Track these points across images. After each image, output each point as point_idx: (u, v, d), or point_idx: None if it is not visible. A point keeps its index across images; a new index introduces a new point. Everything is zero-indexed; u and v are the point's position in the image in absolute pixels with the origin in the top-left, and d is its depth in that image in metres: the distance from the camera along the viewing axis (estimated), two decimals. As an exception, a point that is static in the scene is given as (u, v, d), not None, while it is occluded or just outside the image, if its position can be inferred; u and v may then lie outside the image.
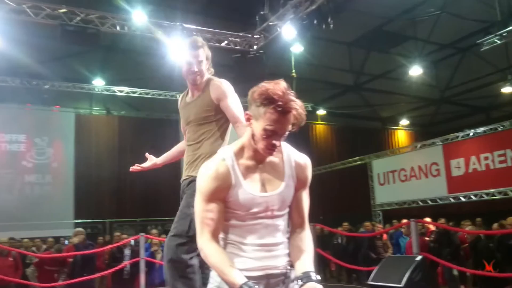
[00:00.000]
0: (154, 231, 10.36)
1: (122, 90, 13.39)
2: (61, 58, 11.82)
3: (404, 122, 19.54)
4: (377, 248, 9.44)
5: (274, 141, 1.76)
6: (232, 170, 1.82)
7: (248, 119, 1.81)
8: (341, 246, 10.35)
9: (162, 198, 14.36)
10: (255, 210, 1.82)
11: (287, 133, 1.78)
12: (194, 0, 10.37)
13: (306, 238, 1.93)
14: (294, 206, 1.95)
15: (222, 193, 1.81)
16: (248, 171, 1.85)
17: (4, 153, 12.64)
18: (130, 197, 14.43)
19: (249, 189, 1.82)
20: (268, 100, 1.70)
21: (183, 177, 2.96)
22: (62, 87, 12.63)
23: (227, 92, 2.84)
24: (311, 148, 17.47)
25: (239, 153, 1.86)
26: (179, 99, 3.09)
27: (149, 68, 12.23)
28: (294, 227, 1.97)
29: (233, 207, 1.83)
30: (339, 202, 15.98)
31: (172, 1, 10.20)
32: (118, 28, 8.89)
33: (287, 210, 1.93)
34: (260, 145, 1.78)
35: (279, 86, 1.72)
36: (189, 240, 2.68)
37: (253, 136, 1.80)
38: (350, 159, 15.36)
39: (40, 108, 13.14)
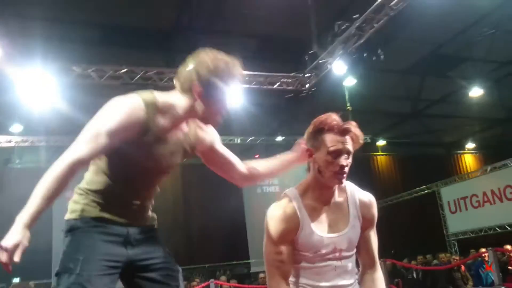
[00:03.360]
0: (223, 277, 10.38)
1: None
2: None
3: (470, 145, 18.76)
4: (455, 280, 8.93)
5: (341, 162, 1.78)
6: (299, 211, 1.83)
7: (310, 155, 1.85)
8: (416, 281, 9.89)
9: (230, 243, 14.47)
10: (323, 251, 1.82)
11: (351, 157, 1.81)
12: (244, 46, 10.73)
13: (377, 279, 1.92)
14: (362, 247, 1.94)
15: (290, 235, 1.82)
16: (314, 212, 1.85)
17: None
18: (199, 242, 14.61)
19: (316, 230, 1.83)
20: (324, 125, 1.81)
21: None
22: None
23: None
24: (374, 180, 17.08)
25: (304, 194, 1.88)
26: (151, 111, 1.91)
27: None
28: (364, 268, 1.96)
29: (301, 249, 1.83)
30: (410, 234, 15.39)
31: (224, 50, 10.54)
32: (174, 81, 9.28)
33: (354, 250, 1.91)
34: (328, 174, 1.80)
35: (330, 115, 1.84)
36: None
37: (319, 170, 1.82)
38: (417, 188, 14.84)
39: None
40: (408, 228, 15.62)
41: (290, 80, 9.84)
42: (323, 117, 1.83)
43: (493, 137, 17.69)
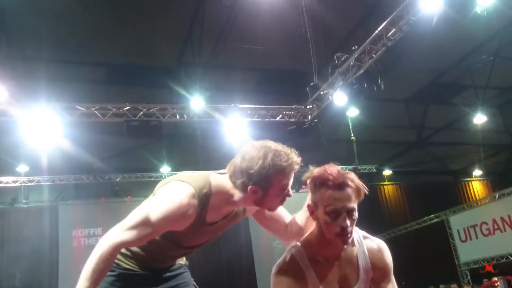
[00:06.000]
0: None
1: (187, 174, 13.86)
2: (128, 151, 12.52)
3: (477, 172, 18.57)
4: (469, 311, 8.71)
5: (341, 224, 1.59)
6: (306, 271, 1.68)
7: (312, 212, 1.69)
8: (429, 312, 9.65)
9: (237, 278, 14.21)
10: None
11: (355, 213, 1.62)
12: (246, 80, 10.85)
13: None
14: None
15: None
16: (322, 270, 1.70)
17: (83, 248, 13.15)
18: (206, 279, 14.37)
19: None
20: (320, 180, 1.63)
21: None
22: (132, 178, 13.30)
23: None
24: (382, 211, 16.90)
25: (311, 248, 1.72)
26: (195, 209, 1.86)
27: (210, 149, 12.63)
28: None
29: None
30: (421, 265, 15.07)
31: (226, 84, 10.74)
32: (178, 117, 9.37)
33: None
34: (330, 235, 1.62)
35: (326, 168, 1.65)
36: None
37: (321, 228, 1.67)
38: (425, 217, 14.62)
39: (113, 200, 13.74)
40: (418, 258, 15.33)
41: (292, 112, 9.89)
42: (319, 170, 1.65)
43: (499, 163, 17.58)
